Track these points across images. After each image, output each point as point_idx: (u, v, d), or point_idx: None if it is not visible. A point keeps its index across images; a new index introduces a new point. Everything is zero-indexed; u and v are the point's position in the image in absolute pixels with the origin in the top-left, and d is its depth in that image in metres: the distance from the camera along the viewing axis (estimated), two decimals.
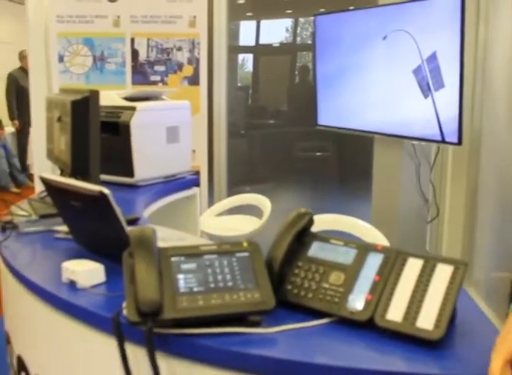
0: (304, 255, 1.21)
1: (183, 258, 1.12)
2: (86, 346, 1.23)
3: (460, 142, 2.40)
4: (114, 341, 1.11)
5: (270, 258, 1.18)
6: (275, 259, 1.18)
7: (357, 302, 1.10)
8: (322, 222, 2.63)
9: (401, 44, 2.65)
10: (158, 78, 3.76)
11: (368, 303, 1.09)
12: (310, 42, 5.07)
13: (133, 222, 1.84)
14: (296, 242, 1.22)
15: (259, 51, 5.27)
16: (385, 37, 2.76)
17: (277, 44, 5.41)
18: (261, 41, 5.29)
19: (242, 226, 3.64)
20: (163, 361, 1.06)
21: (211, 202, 4.11)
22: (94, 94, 1.63)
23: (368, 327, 1.09)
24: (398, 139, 2.85)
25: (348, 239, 1.21)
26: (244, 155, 4.92)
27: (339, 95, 3.12)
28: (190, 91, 3.71)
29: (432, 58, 2.43)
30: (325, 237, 1.24)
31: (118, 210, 1.31)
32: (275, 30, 5.42)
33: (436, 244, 3.06)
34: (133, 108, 2.42)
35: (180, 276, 1.09)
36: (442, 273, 1.08)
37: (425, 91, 2.52)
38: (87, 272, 1.30)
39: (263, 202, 3.71)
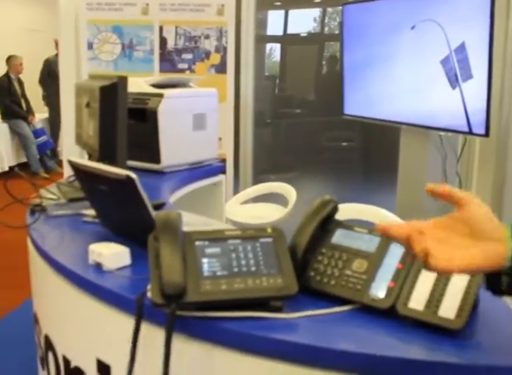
0: (327, 242, 1.22)
1: (207, 243, 1.14)
2: (111, 327, 1.26)
3: (487, 134, 2.37)
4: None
5: (294, 244, 1.19)
6: (298, 246, 1.19)
7: (379, 290, 1.10)
8: (347, 211, 2.63)
9: (429, 34, 2.62)
10: (185, 66, 3.78)
11: (390, 291, 1.09)
12: (337, 32, 5.05)
13: (158, 207, 1.86)
14: (321, 229, 1.22)
15: (286, 40, 5.26)
16: (413, 27, 2.73)
17: (305, 34, 5.39)
18: (289, 31, 5.28)
19: (267, 214, 3.66)
20: (184, 343, 1.08)
21: (236, 190, 4.13)
22: (123, 80, 1.65)
23: (390, 315, 1.09)
24: (425, 130, 2.82)
25: (372, 227, 1.21)
26: (270, 144, 4.93)
27: (366, 85, 3.10)
28: (216, 79, 3.72)
29: (461, 48, 2.40)
30: (349, 224, 1.24)
31: (144, 194, 1.33)
32: (303, 20, 5.40)
33: None
34: (161, 95, 2.44)
35: (204, 260, 1.11)
36: None
37: (453, 81, 2.49)
38: (113, 255, 1.32)
39: (288, 191, 3.71)
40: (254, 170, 4.50)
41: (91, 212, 1.70)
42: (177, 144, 2.56)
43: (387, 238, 1.17)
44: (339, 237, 1.22)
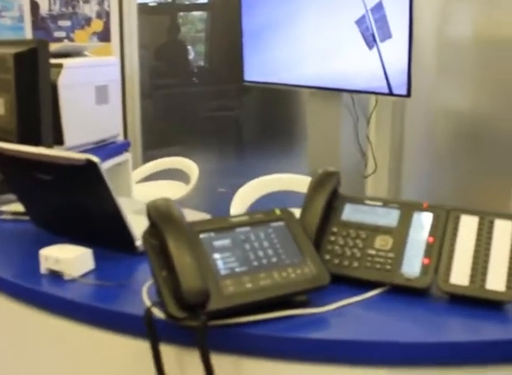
0: (336, 219, 1.07)
1: (213, 234, 0.94)
2: (100, 354, 1.01)
3: (409, 94, 2.35)
4: (126, 341, 0.92)
5: (303, 225, 1.03)
6: (309, 226, 1.03)
7: (413, 268, 0.98)
8: (271, 183, 2.51)
9: None
10: (63, 34, 3.38)
11: (425, 268, 0.98)
12: None
13: None
14: (328, 205, 1.07)
15: (174, 9, 4.92)
16: None
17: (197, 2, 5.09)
18: None
19: (169, 192, 3.43)
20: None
21: None
22: (43, 45, 1.36)
23: (424, 295, 0.98)
24: (336, 93, 2.76)
25: (385, 198, 1.08)
26: (155, 118, 4.63)
27: (270, 49, 2.96)
28: (100, 48, 3.37)
29: (378, 7, 2.34)
30: (357, 197, 1.10)
31: (109, 182, 1.09)
32: None
33: None
34: (60, 66, 2.11)
35: (217, 256, 0.91)
36: (503, 230, 0.99)
37: (370, 41, 2.43)
38: (75, 259, 1.07)
39: (189, 166, 3.50)
40: (142, 146, 4.22)
41: (13, 207, 1.41)
42: (81, 121, 2.25)
43: (407, 209, 1.05)
44: (349, 212, 1.08)
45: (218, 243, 0.93)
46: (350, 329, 0.90)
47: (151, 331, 0.85)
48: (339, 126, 2.86)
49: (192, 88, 4.41)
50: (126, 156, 2.60)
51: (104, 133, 2.45)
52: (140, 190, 3.49)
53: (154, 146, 4.40)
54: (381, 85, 2.44)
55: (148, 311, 0.86)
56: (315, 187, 1.08)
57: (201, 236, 0.93)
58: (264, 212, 1.00)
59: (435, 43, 2.82)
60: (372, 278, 0.99)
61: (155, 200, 0.92)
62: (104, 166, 2.39)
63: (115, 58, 2.43)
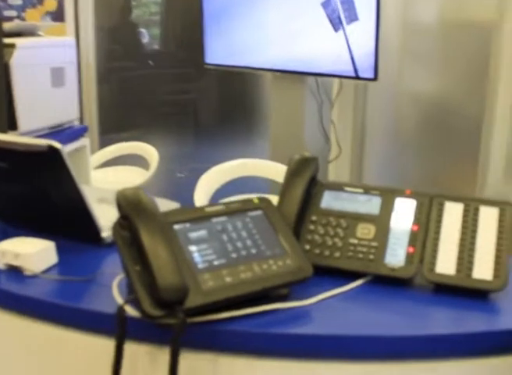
0: (316, 207, 1.02)
1: (188, 225, 0.88)
2: (63, 352, 0.94)
3: (376, 77, 2.32)
4: (96, 340, 0.86)
5: (281, 214, 0.98)
6: (288, 215, 0.98)
7: (397, 257, 0.94)
8: (231, 170, 2.45)
9: None
10: (13, 13, 3.22)
11: (410, 257, 0.94)
12: None
13: None
14: (306, 193, 1.02)
15: None
16: None
17: None
18: None
19: (126, 178, 3.33)
20: (184, 359, 0.83)
21: None
22: None
23: (408, 284, 0.95)
24: (300, 76, 2.70)
25: (366, 185, 1.04)
26: (110, 101, 4.49)
27: (232, 31, 2.88)
28: (53, 28, 3.22)
29: None
30: (336, 184, 1.05)
31: (72, 169, 1.01)
32: None
33: None
34: (12, 46, 2.00)
35: (193, 248, 0.85)
36: (488, 217, 0.96)
37: (336, 24, 2.38)
38: (37, 253, 0.99)
39: (148, 151, 3.40)
40: (99, 131, 4.08)
41: None
42: (36, 104, 2.14)
43: (389, 196, 1.01)
44: (328, 200, 1.03)
45: (193, 234, 0.87)
46: (333, 323, 0.86)
47: (122, 331, 0.78)
48: (303, 111, 2.81)
49: (148, 71, 4.29)
50: (84, 142, 2.51)
51: (61, 118, 2.35)
52: (98, 176, 3.38)
53: (111, 131, 4.27)
54: (347, 68, 2.40)
55: (121, 309, 0.79)
56: (293, 173, 1.02)
57: (176, 227, 0.87)
58: (241, 200, 0.94)
59: (400, 26, 2.80)
60: (355, 268, 0.95)
61: (124, 189, 0.85)
62: None
63: (71, 39, 2.31)
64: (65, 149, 2.38)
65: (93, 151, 3.71)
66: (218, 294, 0.80)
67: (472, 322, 0.86)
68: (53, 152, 0.97)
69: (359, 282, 0.95)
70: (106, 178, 3.34)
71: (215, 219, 0.90)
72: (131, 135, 4.14)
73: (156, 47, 4.54)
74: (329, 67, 2.47)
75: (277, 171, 2.26)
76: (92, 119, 3.92)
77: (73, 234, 1.08)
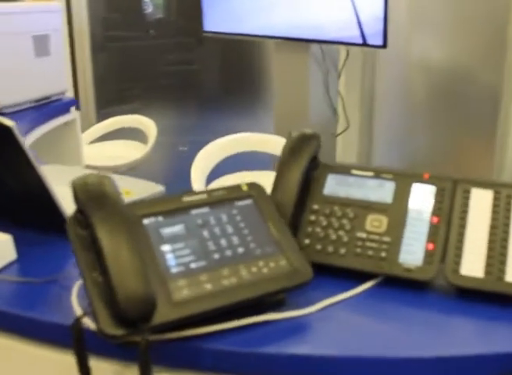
0: (318, 194, 0.87)
1: (161, 219, 0.72)
2: (16, 366, 0.80)
3: (385, 45, 2.13)
4: (53, 355, 0.72)
5: (275, 202, 0.82)
6: (284, 203, 0.82)
7: (413, 255, 0.79)
8: (232, 144, 2.29)
9: None
10: None
11: (429, 255, 0.78)
12: None
13: None
14: (305, 176, 0.87)
15: None
16: None
17: None
18: None
19: (123, 153, 3.18)
20: None
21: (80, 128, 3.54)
22: None
23: (427, 288, 0.80)
24: (305, 44, 2.52)
25: (377, 167, 0.88)
26: (108, 72, 4.31)
27: None
28: None
29: None
30: (341, 166, 0.89)
31: (28, 149, 0.85)
32: None
33: (345, 160, 2.86)
34: None
35: (166, 248, 0.70)
36: None
37: None
38: None
39: (147, 124, 3.25)
40: (96, 104, 3.92)
41: None
42: (16, 75, 1.98)
43: (404, 181, 0.85)
44: (332, 185, 0.87)
45: (167, 230, 0.71)
46: (337, 339, 0.71)
47: (80, 347, 0.64)
48: (308, 81, 2.63)
49: (149, 41, 4.10)
50: (74, 115, 2.35)
51: (47, 90, 2.18)
52: (93, 151, 3.23)
53: (109, 104, 4.10)
54: (354, 35, 2.22)
55: (77, 323, 0.64)
56: (290, 153, 0.87)
57: (145, 221, 0.71)
58: (226, 187, 0.79)
59: None
60: (363, 268, 0.80)
61: (85, 176, 0.70)
62: (48, 126, 2.14)
63: (57, 4, 2.13)
64: (53, 123, 2.21)
65: (90, 126, 3.56)
66: (194, 306, 0.65)
67: (505, 338, 0.71)
68: (4, 131, 0.82)
69: (368, 285, 0.80)
70: (103, 153, 3.19)
71: (194, 211, 0.75)
72: (132, 108, 3.98)
73: (159, 16, 4.34)
74: (335, 34, 2.29)
75: (280, 146, 2.10)
76: (87, 91, 3.76)
77: (36, 224, 0.94)
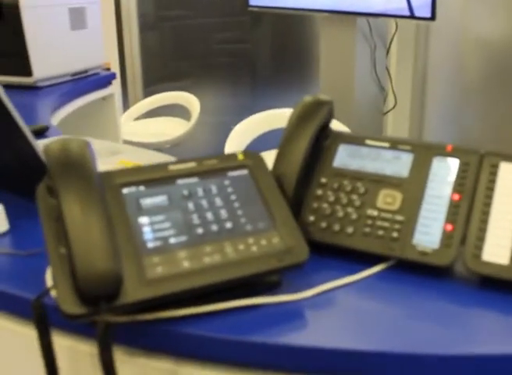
0: (326, 166, 0.78)
1: (142, 189, 0.66)
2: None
3: (433, 17, 1.99)
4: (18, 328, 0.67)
5: (278, 174, 0.74)
6: (287, 175, 0.74)
7: (430, 237, 0.69)
8: (269, 119, 2.21)
9: None
10: None
11: (448, 237, 0.69)
12: None
13: (39, 133, 1.34)
14: (314, 146, 0.78)
15: None
16: None
17: None
18: None
19: (168, 130, 3.16)
20: (125, 364, 0.63)
21: (126, 105, 3.55)
22: None
23: (444, 275, 0.70)
24: (351, 17, 2.40)
25: (394, 138, 0.78)
26: (157, 50, 4.29)
27: None
28: None
29: None
30: (355, 136, 0.80)
31: (17, 115, 0.80)
32: None
33: None
34: None
35: (144, 220, 0.63)
36: None
37: None
38: None
39: (190, 101, 3.21)
40: (143, 81, 3.91)
41: None
42: (52, 48, 1.96)
43: (424, 154, 0.75)
44: (343, 157, 0.78)
45: (148, 201, 0.65)
46: (336, 329, 0.62)
47: (41, 324, 0.58)
48: (354, 56, 2.51)
49: (200, 20, 4.04)
50: (112, 89, 2.32)
51: (83, 64, 2.16)
52: (138, 128, 3.22)
53: (158, 81, 4.08)
54: (401, 7, 2.08)
55: (38, 299, 0.59)
56: (298, 120, 0.78)
57: (124, 191, 0.65)
58: (220, 156, 0.71)
59: None
60: (372, 250, 0.71)
61: (58, 140, 0.64)
62: (84, 100, 2.12)
63: None
64: (89, 97, 2.19)
65: (136, 102, 3.55)
66: (168, 285, 0.59)
67: None
68: None
69: (377, 268, 0.71)
70: (146, 129, 3.18)
71: (181, 181, 0.68)
72: (181, 86, 3.94)
73: None
74: (381, 6, 2.16)
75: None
76: (135, 69, 3.74)
77: (29, 193, 0.89)
